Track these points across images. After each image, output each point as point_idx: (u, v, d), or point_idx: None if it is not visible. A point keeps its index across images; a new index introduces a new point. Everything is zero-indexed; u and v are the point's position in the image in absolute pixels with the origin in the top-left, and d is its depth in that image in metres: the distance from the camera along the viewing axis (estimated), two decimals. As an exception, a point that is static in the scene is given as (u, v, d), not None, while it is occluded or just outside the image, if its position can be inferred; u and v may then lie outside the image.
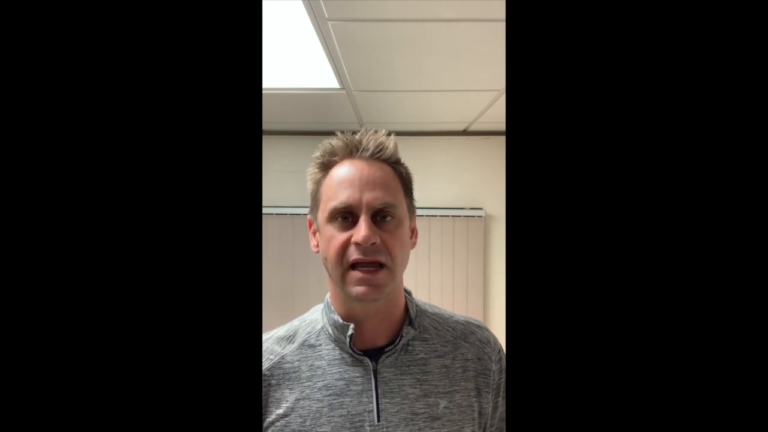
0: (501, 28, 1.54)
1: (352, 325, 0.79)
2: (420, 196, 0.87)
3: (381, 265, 0.76)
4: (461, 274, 2.98)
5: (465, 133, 3.02)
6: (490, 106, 2.42)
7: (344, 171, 0.79)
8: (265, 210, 2.95)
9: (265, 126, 2.85)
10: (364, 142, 0.80)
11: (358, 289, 0.76)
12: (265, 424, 0.79)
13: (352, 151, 0.80)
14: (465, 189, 3.04)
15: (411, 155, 0.84)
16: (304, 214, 2.96)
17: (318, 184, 0.82)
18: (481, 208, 3.00)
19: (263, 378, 0.81)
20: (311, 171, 0.83)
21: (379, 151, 0.80)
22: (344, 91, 2.19)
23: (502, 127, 2.87)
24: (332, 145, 0.81)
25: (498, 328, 0.92)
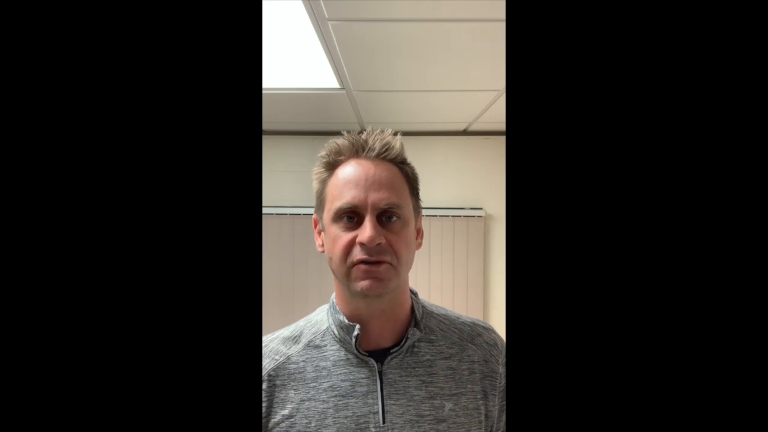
0: (501, 28, 1.54)
1: (357, 326, 0.79)
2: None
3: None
4: (461, 274, 2.99)
5: (465, 133, 3.02)
6: (490, 106, 2.42)
7: (350, 171, 0.78)
8: (265, 210, 2.95)
9: (265, 126, 2.85)
10: (370, 141, 0.80)
11: (363, 284, 0.75)
12: (270, 425, 0.78)
13: (358, 150, 0.80)
14: (465, 189, 3.04)
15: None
16: (304, 214, 2.97)
17: (324, 183, 0.81)
18: (481, 208, 3.00)
19: (268, 378, 0.80)
20: (317, 170, 0.83)
21: (385, 151, 0.80)
22: (344, 91, 2.19)
23: (502, 127, 2.87)
24: (338, 145, 0.80)
25: (498, 328, 0.92)
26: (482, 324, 0.90)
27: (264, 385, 0.80)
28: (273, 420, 0.78)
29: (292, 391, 0.79)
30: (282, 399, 0.79)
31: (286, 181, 3.02)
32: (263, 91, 2.13)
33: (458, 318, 0.89)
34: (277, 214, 2.98)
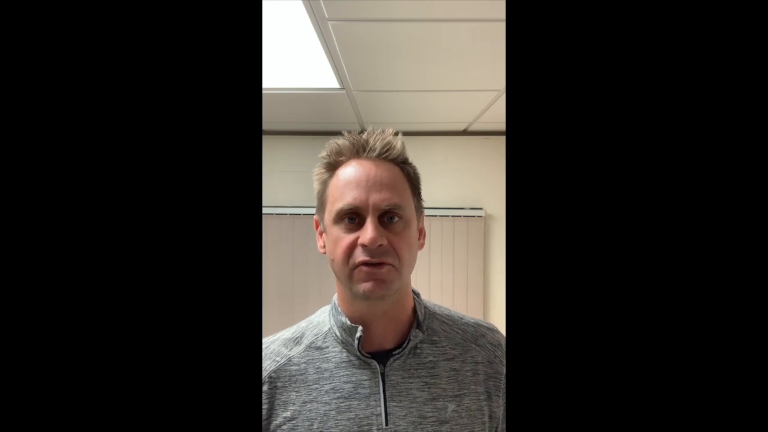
0: (501, 28, 1.54)
1: (360, 327, 0.78)
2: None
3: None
4: (461, 274, 2.99)
5: (465, 133, 3.02)
6: (490, 106, 2.42)
7: (351, 171, 0.78)
8: (265, 210, 2.95)
9: (265, 126, 2.85)
10: (371, 141, 0.79)
11: (365, 286, 0.75)
12: (271, 427, 0.78)
13: (359, 151, 0.79)
14: (465, 189, 3.04)
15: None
16: (304, 214, 2.97)
17: (324, 184, 0.81)
18: (481, 208, 3.00)
19: (269, 380, 0.80)
20: (318, 171, 0.82)
21: (386, 151, 0.79)
22: (344, 91, 2.19)
23: (502, 127, 2.87)
24: (339, 145, 0.80)
25: (498, 328, 0.92)
26: (486, 325, 0.89)
27: (265, 387, 0.80)
28: (274, 422, 0.78)
29: (294, 393, 0.79)
30: (283, 401, 0.79)
31: (286, 181, 3.02)
32: (263, 91, 2.13)
33: (461, 318, 0.89)
34: (277, 214, 2.98)
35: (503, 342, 0.88)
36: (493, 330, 0.89)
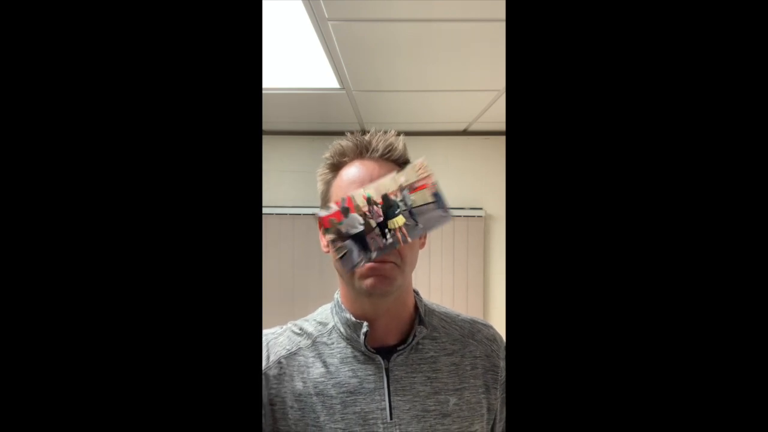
0: (501, 28, 1.54)
1: (365, 323, 0.80)
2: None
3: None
4: (461, 274, 2.99)
5: (465, 133, 3.02)
6: (490, 106, 2.42)
7: (354, 172, 0.80)
8: (265, 210, 2.95)
9: (265, 126, 2.85)
10: (374, 142, 0.81)
11: (368, 282, 0.77)
12: (277, 414, 0.79)
13: (361, 151, 0.81)
14: (465, 189, 3.04)
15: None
16: (304, 214, 2.96)
17: (328, 184, 0.83)
18: (481, 208, 3.00)
19: (278, 365, 0.82)
20: (321, 171, 0.85)
21: (388, 152, 0.81)
22: (344, 91, 2.19)
23: (502, 127, 2.87)
24: (342, 146, 0.82)
25: (498, 328, 0.93)
26: (481, 321, 0.93)
27: (274, 371, 0.81)
28: (281, 410, 0.79)
29: (300, 384, 0.80)
30: (290, 390, 0.80)
31: (286, 181, 3.02)
32: (263, 91, 2.13)
33: (458, 315, 0.92)
34: (277, 214, 2.98)
35: (498, 337, 0.91)
36: (488, 326, 0.92)
